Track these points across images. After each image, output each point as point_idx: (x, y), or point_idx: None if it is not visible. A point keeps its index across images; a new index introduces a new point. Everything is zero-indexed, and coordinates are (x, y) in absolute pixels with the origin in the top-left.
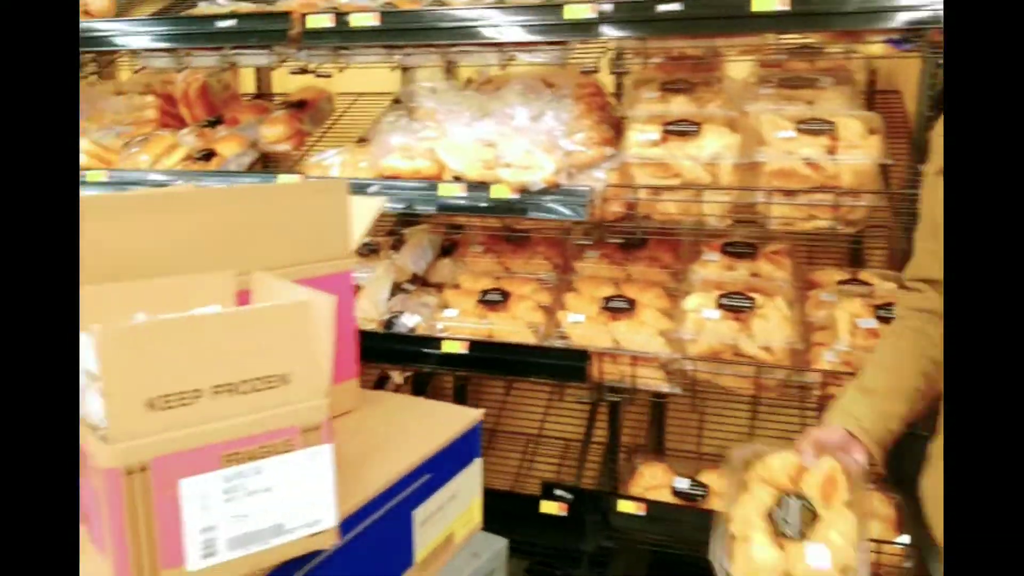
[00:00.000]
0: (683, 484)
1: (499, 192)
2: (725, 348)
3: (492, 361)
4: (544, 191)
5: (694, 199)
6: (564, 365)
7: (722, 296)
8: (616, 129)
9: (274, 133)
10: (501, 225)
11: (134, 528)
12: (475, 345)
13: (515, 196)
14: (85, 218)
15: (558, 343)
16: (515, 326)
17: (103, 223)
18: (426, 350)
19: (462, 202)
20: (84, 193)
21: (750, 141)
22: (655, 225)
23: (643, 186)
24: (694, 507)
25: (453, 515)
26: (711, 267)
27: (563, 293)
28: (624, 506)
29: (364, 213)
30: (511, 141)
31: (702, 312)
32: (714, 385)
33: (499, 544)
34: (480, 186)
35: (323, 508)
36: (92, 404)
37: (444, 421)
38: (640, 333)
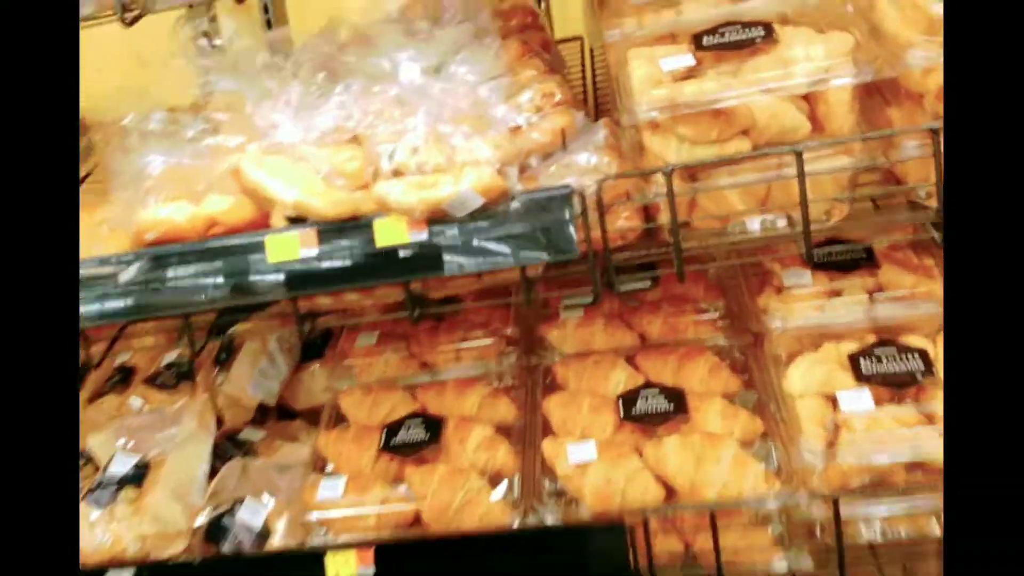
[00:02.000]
0: None
1: (389, 232)
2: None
3: None
4: (483, 212)
5: (778, 176)
6: (577, 555)
7: (862, 355)
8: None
9: None
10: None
11: None
12: (384, 553)
13: (419, 236)
14: None
15: (550, 514)
16: (464, 488)
17: None
18: None
19: (316, 265)
20: None
21: (869, 41)
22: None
23: (685, 164)
24: None
25: None
26: (803, 299)
27: (541, 399)
28: None
29: None
30: (398, 127)
31: (821, 395)
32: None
33: None
34: (345, 231)
35: None
36: None
37: None
38: (716, 459)
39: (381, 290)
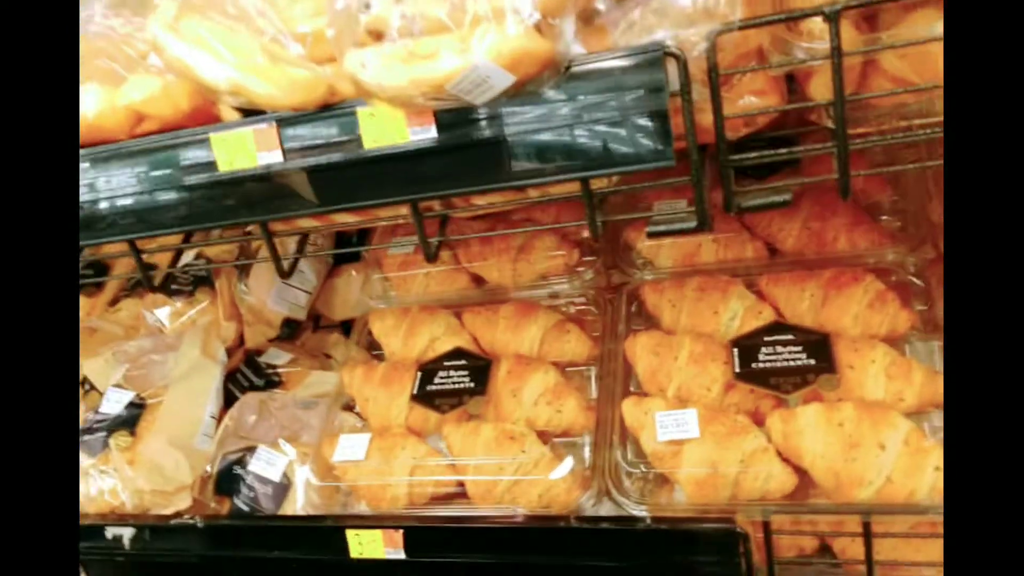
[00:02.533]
0: None
1: (380, 129)
2: None
3: (466, 572)
4: (517, 94)
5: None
6: (670, 563)
7: None
8: None
9: None
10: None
11: None
12: (415, 536)
13: (424, 134)
14: None
15: (632, 502)
16: (518, 459)
17: None
18: (309, 557)
19: (286, 174)
20: None
21: None
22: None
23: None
24: None
25: None
26: None
27: (625, 334)
28: None
29: None
30: None
31: None
32: None
33: None
34: (317, 123)
35: None
36: None
37: None
38: (874, 444)
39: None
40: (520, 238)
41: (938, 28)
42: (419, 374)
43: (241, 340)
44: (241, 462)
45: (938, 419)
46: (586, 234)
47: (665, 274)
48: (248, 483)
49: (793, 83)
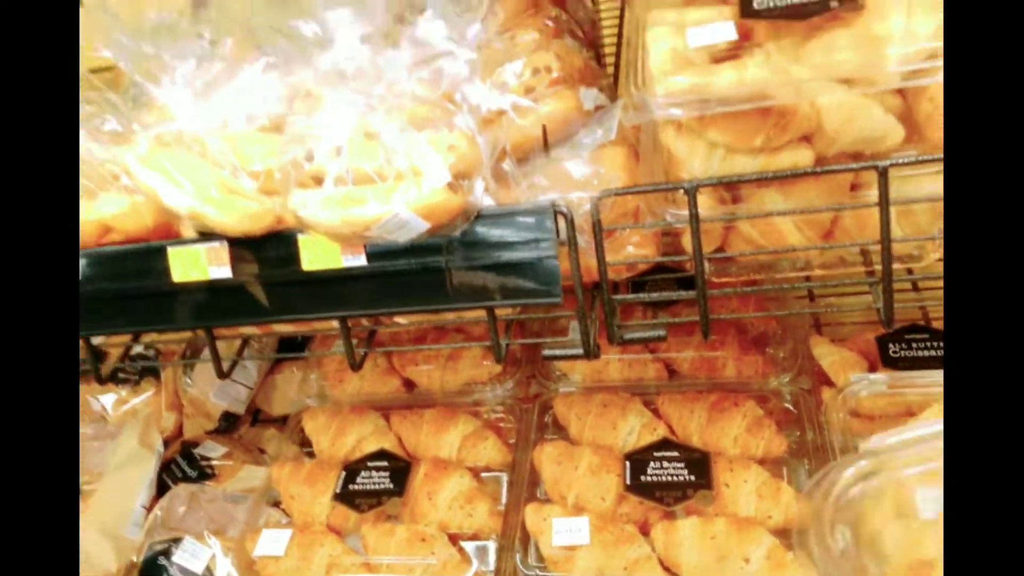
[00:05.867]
0: None
1: (317, 254)
2: None
3: None
4: (425, 243)
5: (855, 202)
6: None
7: None
8: (594, 46)
9: None
10: None
11: None
12: None
13: (355, 261)
14: None
15: None
16: (424, 565)
17: None
18: None
19: (233, 290)
20: None
21: None
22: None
23: (721, 179)
24: None
25: None
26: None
27: (538, 446)
28: None
29: None
30: (321, 118)
31: None
32: None
33: None
34: (263, 247)
35: None
36: None
37: None
38: (741, 556)
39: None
40: (446, 341)
41: (779, 204)
42: (343, 473)
43: (179, 431)
44: (167, 553)
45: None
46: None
47: (577, 388)
48: (171, 574)
49: (671, 236)
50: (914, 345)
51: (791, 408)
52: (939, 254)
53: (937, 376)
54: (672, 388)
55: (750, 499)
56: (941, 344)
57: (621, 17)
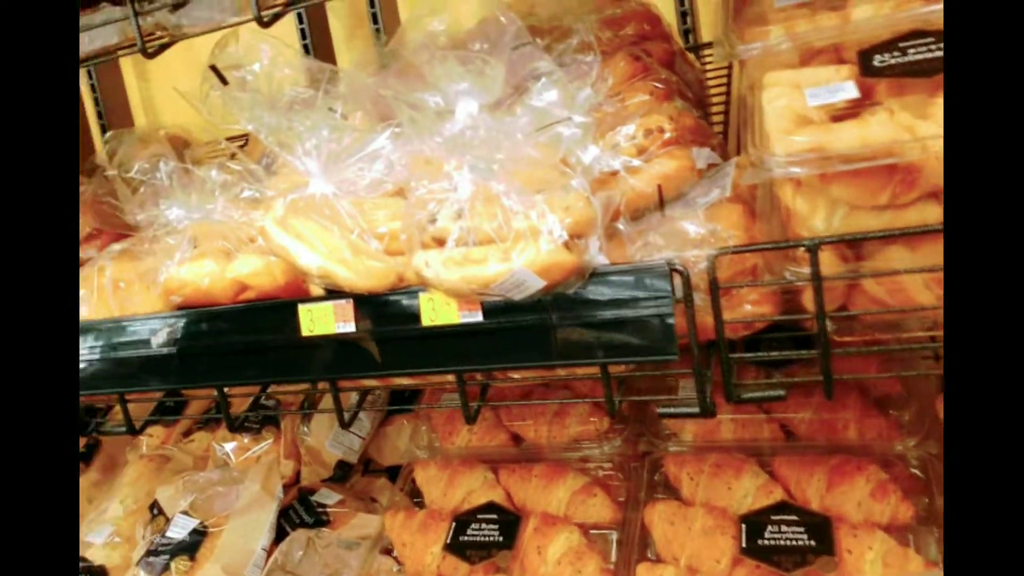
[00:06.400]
0: None
1: (436, 311)
2: None
3: None
4: (545, 296)
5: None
6: None
7: None
8: (703, 106)
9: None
10: None
11: None
12: None
13: (472, 317)
14: None
15: None
16: None
17: None
18: None
19: (357, 343)
20: None
21: None
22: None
23: (840, 237)
24: None
25: None
26: None
27: (645, 501)
28: None
29: None
30: (443, 182)
31: None
32: None
33: None
34: (385, 305)
35: None
36: None
37: None
38: None
39: None
40: (555, 398)
41: (907, 262)
42: (453, 524)
43: (297, 478)
44: None
45: None
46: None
47: (688, 447)
48: None
49: (791, 295)
50: None
51: (918, 473)
52: None
53: None
54: (790, 450)
55: (875, 567)
56: None
57: (728, 77)
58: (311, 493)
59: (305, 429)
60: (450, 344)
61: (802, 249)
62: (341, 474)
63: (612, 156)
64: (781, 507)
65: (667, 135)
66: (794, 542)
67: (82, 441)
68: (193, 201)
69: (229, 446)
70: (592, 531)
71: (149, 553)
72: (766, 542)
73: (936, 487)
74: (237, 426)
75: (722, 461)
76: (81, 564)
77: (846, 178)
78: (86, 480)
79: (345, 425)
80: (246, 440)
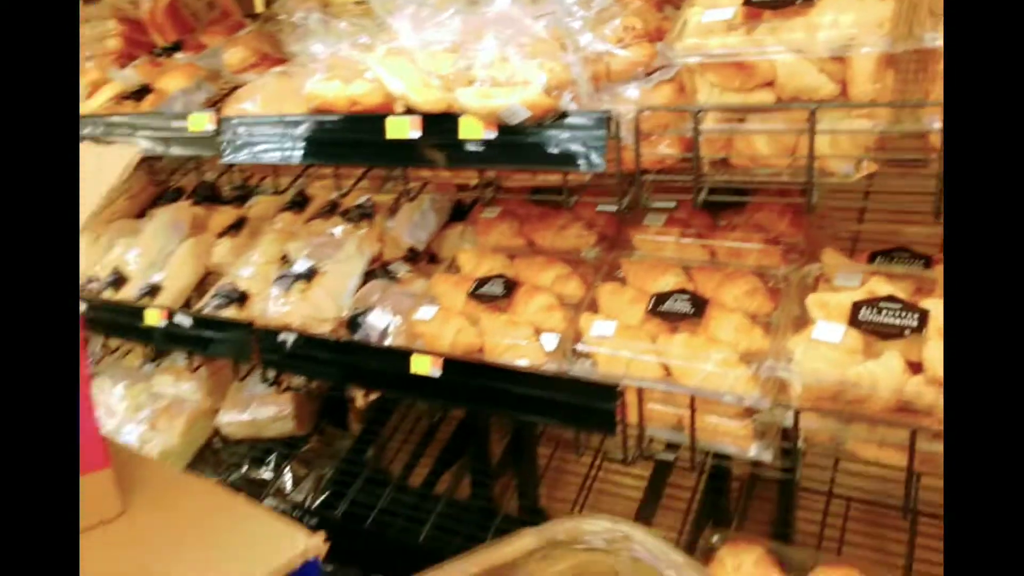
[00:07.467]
0: None
1: (468, 128)
2: (851, 391)
3: (473, 391)
4: (532, 125)
5: (800, 128)
6: (577, 405)
7: (864, 305)
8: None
9: (235, 58)
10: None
11: None
12: (449, 365)
13: (489, 135)
14: None
15: (575, 368)
16: (516, 336)
17: None
18: (388, 367)
19: (419, 145)
20: None
21: (909, 14)
22: (732, 180)
23: (708, 107)
24: None
25: None
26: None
27: (600, 284)
28: None
29: (106, 170)
30: (480, 45)
31: (822, 329)
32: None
33: None
34: (440, 121)
35: None
36: None
37: (252, 556)
38: (707, 358)
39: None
40: (559, 221)
41: (756, 124)
42: (476, 283)
43: (380, 256)
44: (364, 314)
45: (763, 363)
46: (603, 227)
47: (641, 256)
48: (365, 328)
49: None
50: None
51: (782, 287)
52: (861, 173)
53: None
54: (706, 264)
55: (729, 331)
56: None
57: None
58: (388, 264)
59: (390, 223)
60: (476, 151)
61: (693, 112)
62: (412, 256)
63: (600, 42)
64: (680, 292)
65: (637, 31)
66: (681, 310)
67: (235, 214)
68: (329, 41)
69: (336, 229)
70: (565, 302)
71: (280, 278)
72: (664, 308)
73: (787, 297)
74: (345, 215)
75: (658, 263)
76: (231, 288)
77: (713, 68)
78: (238, 241)
79: (411, 199)
80: (349, 226)
